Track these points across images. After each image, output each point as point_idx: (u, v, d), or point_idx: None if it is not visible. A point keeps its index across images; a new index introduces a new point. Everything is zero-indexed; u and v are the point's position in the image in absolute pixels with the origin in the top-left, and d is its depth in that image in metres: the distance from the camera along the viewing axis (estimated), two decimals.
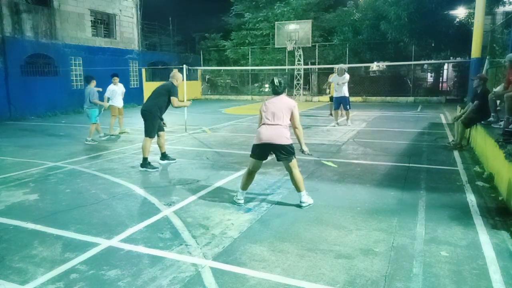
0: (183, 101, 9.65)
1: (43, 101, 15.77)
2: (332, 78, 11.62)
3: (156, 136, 6.51)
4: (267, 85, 25.68)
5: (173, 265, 3.12)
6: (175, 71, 6.65)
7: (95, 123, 9.09)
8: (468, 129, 7.97)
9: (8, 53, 14.65)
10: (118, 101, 10.03)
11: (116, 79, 10.05)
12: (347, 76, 11.16)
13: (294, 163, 4.40)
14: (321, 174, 5.95)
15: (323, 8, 25.44)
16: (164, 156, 6.78)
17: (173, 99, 6.26)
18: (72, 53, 17.32)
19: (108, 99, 9.83)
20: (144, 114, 6.33)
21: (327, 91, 13.41)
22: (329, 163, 5.45)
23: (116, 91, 9.98)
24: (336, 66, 13.33)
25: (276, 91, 4.42)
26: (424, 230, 3.75)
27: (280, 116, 4.29)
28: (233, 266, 3.09)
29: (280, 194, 4.92)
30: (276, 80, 4.41)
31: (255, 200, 4.69)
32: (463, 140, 7.81)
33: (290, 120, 4.37)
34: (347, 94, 11.18)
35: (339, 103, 11.26)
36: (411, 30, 19.03)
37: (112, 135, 9.84)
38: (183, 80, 11.17)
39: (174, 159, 6.88)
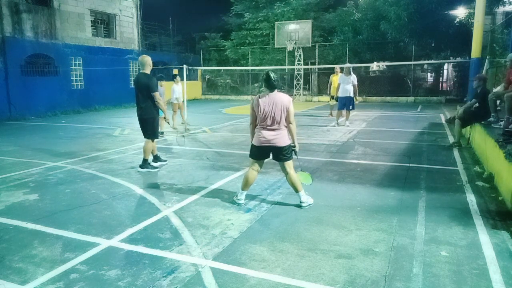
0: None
1: (43, 101, 15.78)
2: (340, 78, 11.54)
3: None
4: None
5: (173, 265, 3.12)
6: (142, 56, 6.13)
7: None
8: (467, 127, 7.95)
9: (8, 53, 14.65)
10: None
11: (177, 79, 11.15)
12: (355, 78, 11.15)
13: (290, 164, 4.40)
14: (321, 174, 5.95)
15: (323, 8, 25.44)
16: (156, 158, 6.69)
17: (155, 95, 5.97)
18: (72, 53, 17.32)
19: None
20: (143, 119, 6.19)
21: (329, 91, 13.33)
22: (305, 176, 4.76)
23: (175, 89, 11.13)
24: (337, 66, 13.29)
25: (273, 86, 4.27)
26: (424, 230, 3.75)
27: (279, 119, 4.25)
28: (233, 266, 3.09)
29: (280, 194, 4.92)
30: (272, 74, 4.27)
31: (255, 200, 4.69)
32: (461, 139, 7.80)
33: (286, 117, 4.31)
34: (352, 94, 11.16)
35: (344, 103, 11.21)
36: (411, 30, 19.03)
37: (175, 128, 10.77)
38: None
39: (165, 160, 6.80)
